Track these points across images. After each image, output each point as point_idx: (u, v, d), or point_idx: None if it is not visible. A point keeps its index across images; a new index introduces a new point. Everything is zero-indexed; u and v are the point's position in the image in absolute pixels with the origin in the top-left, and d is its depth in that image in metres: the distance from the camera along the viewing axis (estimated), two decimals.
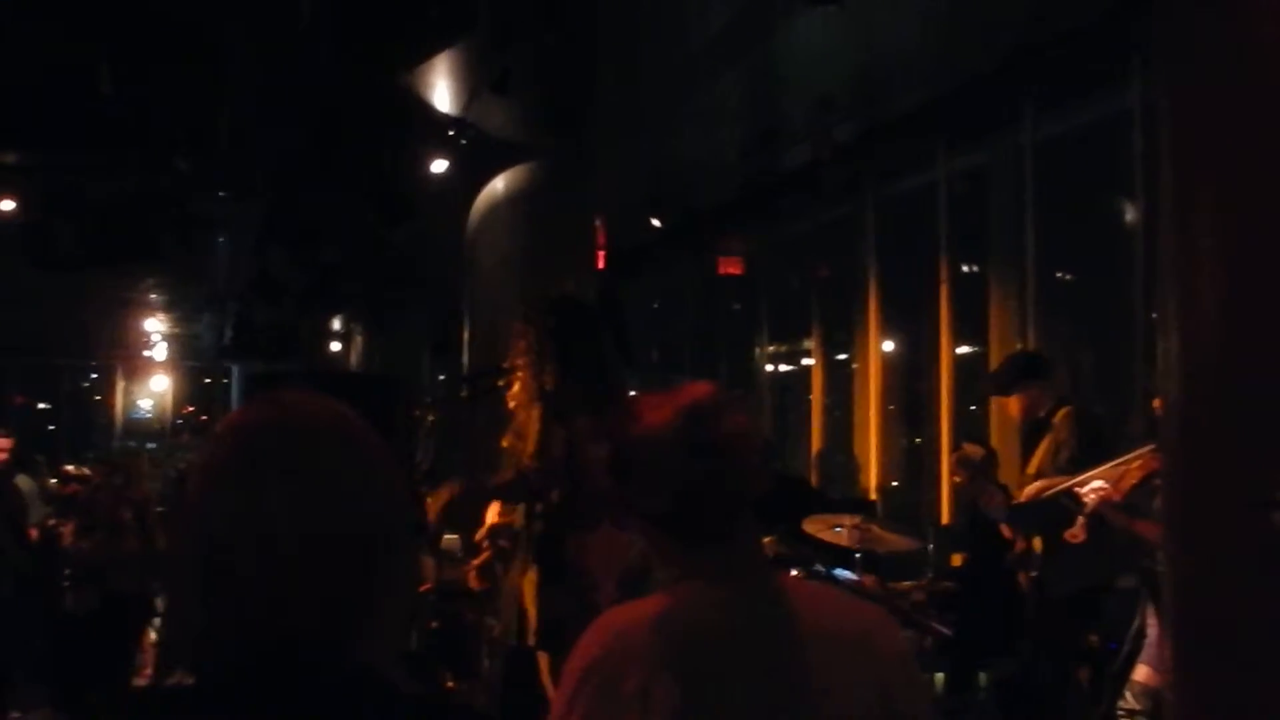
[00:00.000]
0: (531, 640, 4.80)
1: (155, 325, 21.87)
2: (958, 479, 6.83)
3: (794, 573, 5.48)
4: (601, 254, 11.06)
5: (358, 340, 19.08)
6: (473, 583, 7.65)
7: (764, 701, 1.94)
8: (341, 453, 1.56)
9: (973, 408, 9.20)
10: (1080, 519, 5.20)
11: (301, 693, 1.49)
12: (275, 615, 1.48)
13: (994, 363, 8.56)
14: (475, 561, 7.48)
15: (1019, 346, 8.23)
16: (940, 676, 6.56)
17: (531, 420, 4.88)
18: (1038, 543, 5.88)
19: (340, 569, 1.51)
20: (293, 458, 1.53)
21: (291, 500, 1.50)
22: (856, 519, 6.24)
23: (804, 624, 2.03)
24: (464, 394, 6.84)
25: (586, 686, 1.93)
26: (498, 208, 10.36)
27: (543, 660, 4.78)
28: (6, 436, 9.90)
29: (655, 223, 11.67)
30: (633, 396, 2.16)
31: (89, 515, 9.13)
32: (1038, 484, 5.53)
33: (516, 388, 4.92)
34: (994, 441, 7.94)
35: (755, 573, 2.10)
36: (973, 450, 6.83)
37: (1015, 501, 6.27)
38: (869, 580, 5.78)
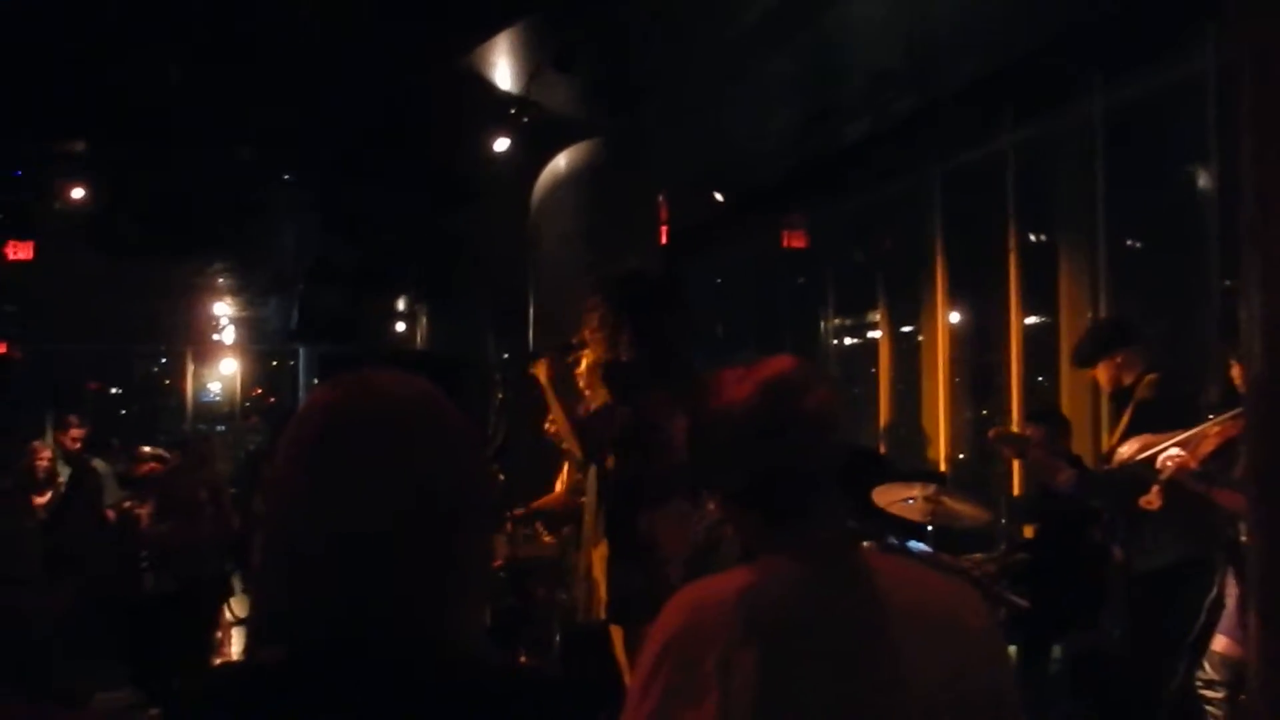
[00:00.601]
0: (602, 614, 4.82)
1: (223, 310, 22.09)
2: (1007, 453, 6.76)
3: (867, 545, 5.45)
4: (664, 230, 11.05)
5: (422, 320, 19.21)
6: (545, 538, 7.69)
7: (847, 677, 1.92)
8: (427, 430, 1.58)
9: (1041, 379, 9.12)
10: (1155, 486, 5.13)
11: (390, 668, 1.51)
12: (363, 593, 1.50)
13: (1064, 334, 8.48)
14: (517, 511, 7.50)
15: (1090, 316, 8.13)
16: (1012, 650, 6.52)
17: (598, 396, 4.89)
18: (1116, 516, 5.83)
19: (427, 545, 1.53)
20: (381, 438, 1.55)
21: (381, 481, 1.52)
22: (928, 489, 6.20)
23: (887, 600, 2.00)
24: (530, 371, 6.85)
25: (667, 661, 1.92)
26: (560, 186, 10.38)
27: (616, 634, 4.80)
28: (80, 425, 10.06)
29: (718, 197, 11.63)
30: (712, 371, 2.14)
31: (165, 497, 9.25)
32: (1125, 450, 5.45)
33: (585, 364, 4.93)
34: (1066, 411, 7.86)
35: (837, 548, 2.07)
36: (1018, 429, 6.75)
37: (1087, 471, 6.23)
38: (943, 554, 5.74)
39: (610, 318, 4.82)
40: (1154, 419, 5.56)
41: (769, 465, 2.01)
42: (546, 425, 5.46)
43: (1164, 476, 5.10)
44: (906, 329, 11.47)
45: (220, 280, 19.46)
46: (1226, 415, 4.86)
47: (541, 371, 4.91)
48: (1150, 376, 5.84)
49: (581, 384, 4.96)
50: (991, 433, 6.54)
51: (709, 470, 2.09)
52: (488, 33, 8.97)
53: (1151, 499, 5.15)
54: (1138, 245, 8.66)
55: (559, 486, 7.78)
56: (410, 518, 1.52)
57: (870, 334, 12.25)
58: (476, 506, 1.60)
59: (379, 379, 1.62)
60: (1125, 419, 5.83)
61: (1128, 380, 5.94)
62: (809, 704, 1.90)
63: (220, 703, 1.53)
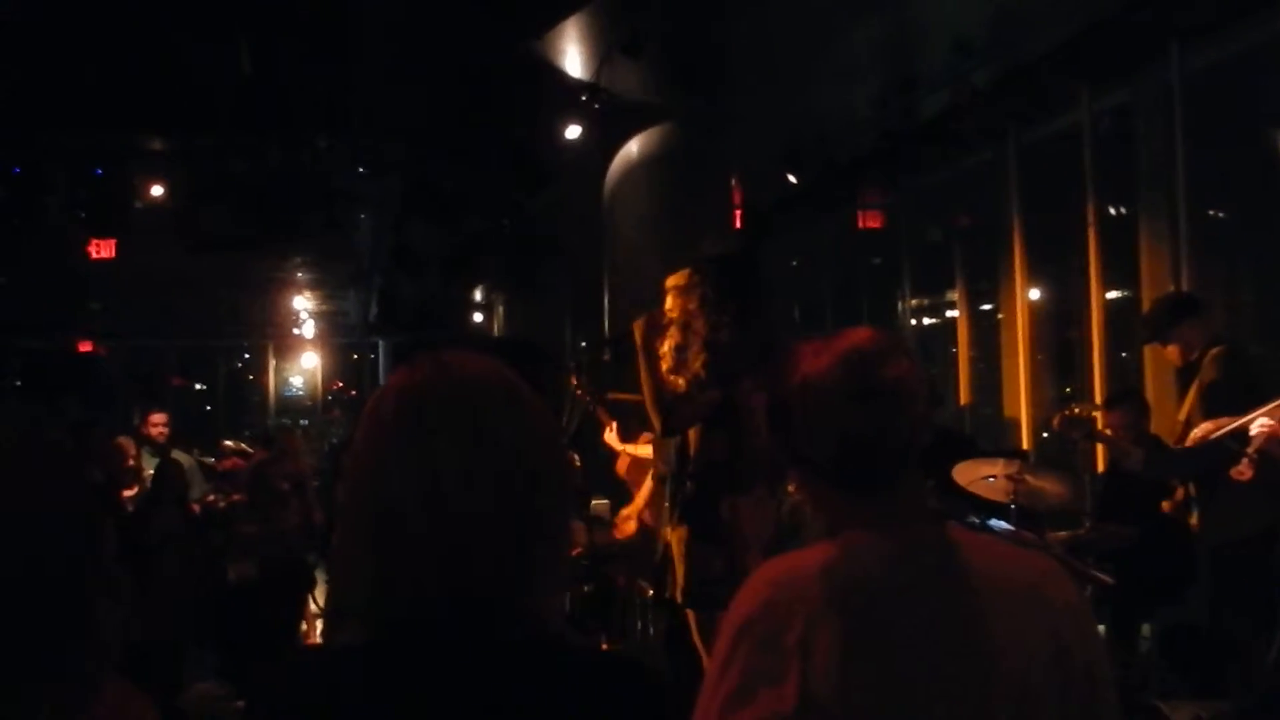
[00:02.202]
0: (679, 598, 4.81)
1: (303, 303, 22.33)
2: (1075, 435, 6.68)
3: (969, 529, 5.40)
4: (739, 213, 11.01)
5: (499, 309, 19.31)
6: (621, 532, 7.72)
7: (932, 654, 1.89)
8: (506, 410, 1.58)
9: (1124, 355, 8.98)
10: (1245, 458, 5.04)
11: (473, 647, 1.51)
12: (446, 572, 1.51)
13: (1146, 308, 8.34)
14: (625, 511, 7.53)
15: (1172, 289, 8.00)
16: (1100, 629, 6.44)
17: (685, 375, 4.86)
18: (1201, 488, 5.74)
19: (507, 525, 1.53)
20: (460, 416, 1.55)
21: (460, 458, 1.52)
22: (1010, 466, 6.14)
23: (972, 575, 1.96)
24: (606, 356, 6.86)
25: (747, 638, 1.89)
26: (633, 171, 10.38)
27: (692, 618, 4.79)
28: (163, 418, 10.24)
29: (791, 179, 11.56)
30: (790, 345, 2.10)
31: (248, 490, 9.38)
32: (1204, 427, 5.36)
33: (668, 347, 4.92)
34: (1149, 388, 7.74)
35: (920, 523, 2.03)
36: (1083, 409, 6.66)
37: (1162, 450, 6.15)
38: (1026, 531, 5.67)
39: (713, 298, 4.80)
40: (1219, 392, 5.49)
41: (850, 436, 1.98)
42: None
43: (1253, 447, 5.01)
44: (985, 307, 11.34)
45: (299, 274, 19.67)
46: None
47: (637, 331, 4.89)
48: (1215, 350, 5.76)
49: (664, 363, 4.95)
50: (1056, 418, 6.46)
51: (790, 444, 2.06)
52: (558, 18, 8.97)
53: (1243, 469, 5.05)
54: (1220, 215, 8.49)
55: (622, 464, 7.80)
56: (488, 494, 1.52)
57: (948, 313, 12.13)
58: (554, 484, 1.60)
59: (453, 358, 1.63)
60: (1192, 393, 5.75)
61: (1193, 354, 5.86)
62: (894, 680, 1.87)
63: (307, 685, 1.54)
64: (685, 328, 4.82)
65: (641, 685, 1.58)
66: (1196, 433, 5.38)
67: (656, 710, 1.58)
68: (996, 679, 1.89)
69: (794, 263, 15.13)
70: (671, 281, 4.95)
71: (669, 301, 4.91)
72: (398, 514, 1.52)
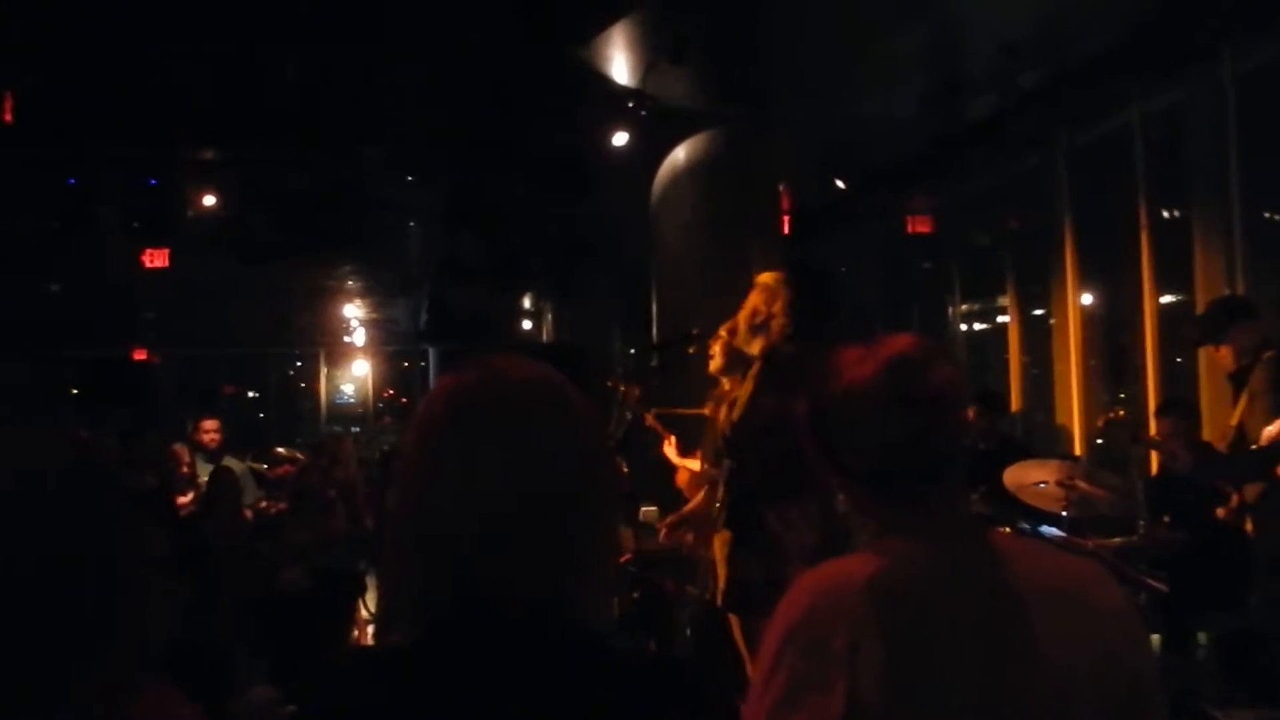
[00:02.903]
0: (719, 601, 4.80)
1: (353, 311, 22.47)
2: (1121, 436, 6.62)
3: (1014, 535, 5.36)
4: (786, 218, 10.98)
5: (548, 316, 19.37)
6: (663, 538, 7.71)
7: (979, 660, 1.87)
8: (553, 414, 1.59)
9: (1178, 360, 8.89)
10: None
11: (520, 650, 1.51)
12: (494, 575, 1.52)
13: (1200, 310, 8.26)
14: (669, 519, 7.52)
15: (1227, 293, 7.91)
16: (1155, 637, 6.37)
17: (738, 385, 4.85)
18: (1251, 494, 5.66)
19: (555, 528, 1.54)
20: (509, 420, 1.56)
21: (508, 461, 1.53)
22: (1062, 472, 6.08)
23: (1017, 580, 1.95)
24: (654, 363, 6.86)
25: (793, 644, 1.88)
26: (679, 177, 10.37)
27: (734, 622, 4.77)
28: (215, 425, 10.33)
29: (839, 184, 11.53)
30: (831, 352, 2.10)
31: (298, 497, 9.43)
32: (1273, 429, 5.28)
33: (718, 352, 4.91)
34: (1203, 392, 7.66)
35: (965, 529, 2.02)
36: (1127, 412, 6.62)
37: (1211, 453, 6.09)
38: (1076, 538, 5.62)
39: (795, 306, 4.79)
40: (1271, 397, 5.41)
41: (896, 442, 1.97)
42: (705, 409, 5.45)
43: None
44: (1037, 312, 11.25)
45: (349, 282, 19.80)
46: None
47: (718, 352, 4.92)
48: (1266, 354, 5.68)
49: (713, 370, 4.95)
50: (1101, 420, 6.41)
51: (833, 452, 2.05)
52: (603, 25, 8.98)
53: None
54: (1276, 217, 8.38)
55: (682, 477, 7.78)
56: (536, 496, 1.53)
57: (999, 318, 12.05)
58: (602, 488, 1.61)
59: (500, 363, 1.64)
60: (1244, 397, 5.68)
61: (1245, 358, 5.79)
62: (942, 687, 1.85)
63: (354, 685, 1.54)
64: (758, 327, 4.82)
65: (684, 687, 1.58)
66: (1270, 430, 5.30)
67: (699, 712, 1.58)
68: (1044, 685, 1.87)
69: (842, 269, 15.08)
70: (763, 278, 4.94)
71: (753, 297, 4.91)
72: (446, 517, 1.53)
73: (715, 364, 5.06)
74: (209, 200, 11.87)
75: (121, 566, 1.61)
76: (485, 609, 1.51)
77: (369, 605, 9.90)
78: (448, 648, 1.52)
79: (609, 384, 6.58)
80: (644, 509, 9.06)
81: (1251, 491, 5.67)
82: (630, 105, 9.58)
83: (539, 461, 1.54)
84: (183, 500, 9.00)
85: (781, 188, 10.89)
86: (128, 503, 1.76)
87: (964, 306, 12.78)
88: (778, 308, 4.82)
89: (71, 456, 1.65)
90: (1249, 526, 5.80)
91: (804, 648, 1.87)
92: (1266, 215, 8.27)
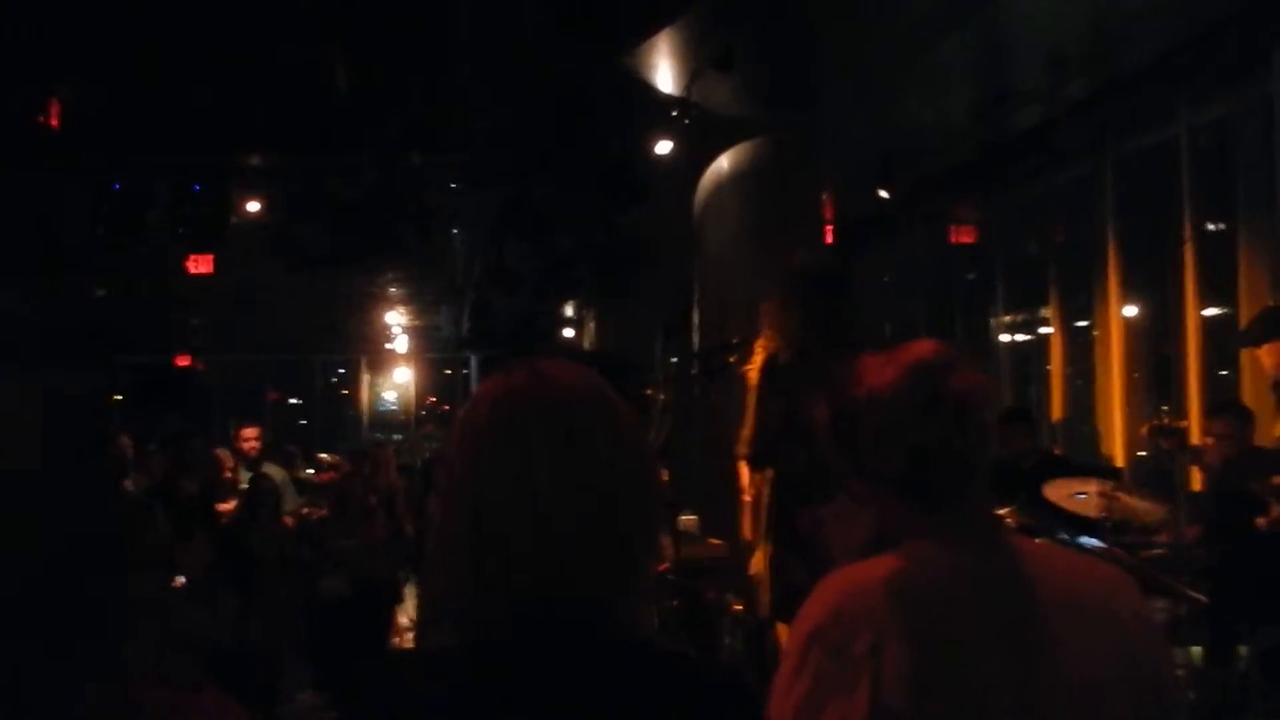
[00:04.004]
0: (765, 612, 4.79)
1: (396, 319, 22.54)
2: (1165, 445, 6.59)
3: (1038, 541, 5.33)
4: (830, 228, 10.96)
5: (590, 325, 19.38)
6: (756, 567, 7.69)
7: (1001, 664, 1.89)
8: (600, 419, 1.60)
9: (1224, 372, 8.82)
10: None
11: (570, 653, 1.53)
12: (539, 577, 1.53)
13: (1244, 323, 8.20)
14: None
15: (1271, 304, 7.84)
16: (1197, 650, 6.32)
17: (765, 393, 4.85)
18: None
19: (599, 532, 1.55)
20: (554, 423, 1.58)
21: (554, 465, 1.55)
22: (1101, 484, 6.06)
23: (1040, 586, 1.97)
24: (695, 371, 6.85)
25: (816, 647, 1.91)
26: (724, 186, 10.37)
27: (781, 631, 4.76)
28: (255, 432, 10.39)
29: (883, 194, 11.50)
30: (854, 358, 2.12)
31: (340, 503, 9.49)
32: None
33: (756, 362, 4.91)
34: (1247, 403, 7.60)
35: (988, 534, 2.04)
36: (1172, 420, 6.60)
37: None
38: (1118, 549, 5.59)
39: (794, 309, 4.78)
40: None
41: (916, 448, 1.99)
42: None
43: None
44: (1080, 323, 11.19)
45: (393, 289, 19.87)
46: None
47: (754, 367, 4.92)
48: None
49: (750, 379, 4.95)
50: (1144, 427, 6.38)
51: (857, 456, 2.07)
52: (650, 33, 9.00)
53: None
54: None
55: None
56: (582, 499, 1.54)
57: (1042, 329, 11.99)
58: (646, 493, 1.62)
59: (547, 367, 1.65)
60: None
61: None
62: (964, 691, 1.87)
63: (402, 687, 1.56)
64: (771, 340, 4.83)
65: (734, 690, 1.59)
66: None
67: (748, 716, 1.60)
68: (1067, 690, 1.89)
69: (886, 278, 15.03)
70: (764, 307, 4.95)
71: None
72: (492, 519, 1.54)
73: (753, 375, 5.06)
74: (254, 206, 11.95)
75: (129, 552, 1.63)
76: (534, 612, 1.53)
77: (409, 612, 9.95)
78: (500, 651, 1.53)
79: (648, 392, 6.59)
80: (684, 517, 9.05)
81: None
82: (676, 114, 9.59)
83: (585, 465, 1.56)
84: (224, 507, 9.08)
85: (826, 197, 10.87)
86: (130, 508, 1.79)
87: (1007, 317, 12.72)
88: (771, 319, 4.82)
89: (72, 461, 1.68)
90: None
91: (829, 648, 1.89)
92: None
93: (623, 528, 1.57)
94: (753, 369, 4.96)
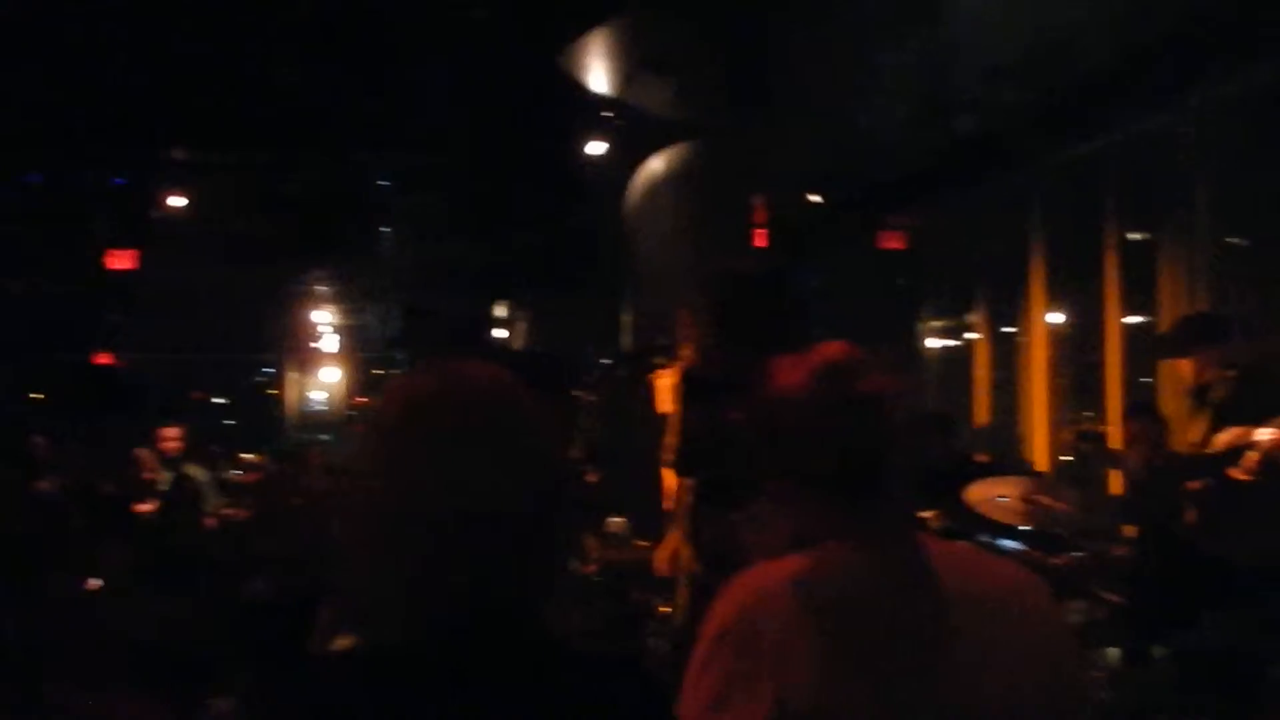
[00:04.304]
0: (687, 616, 4.79)
1: (324, 317, 22.35)
2: (1086, 449, 6.71)
3: (950, 542, 5.37)
4: (762, 232, 11.01)
5: (522, 325, 19.35)
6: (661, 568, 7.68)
7: (907, 664, 1.91)
8: (508, 417, 1.59)
9: (1143, 379, 8.95)
10: (1251, 455, 5.03)
11: (480, 653, 1.53)
12: (455, 580, 1.52)
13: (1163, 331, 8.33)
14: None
15: (1190, 313, 7.97)
16: (1114, 652, 6.40)
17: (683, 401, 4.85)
18: (1215, 509, 5.72)
19: (513, 533, 1.54)
20: (466, 424, 1.56)
21: (466, 467, 1.53)
22: (1022, 488, 6.13)
23: (948, 585, 1.99)
24: (623, 374, 6.86)
25: (724, 644, 1.92)
26: (658, 189, 10.39)
27: None
28: (177, 432, 10.26)
29: (816, 199, 11.57)
30: (767, 361, 2.14)
31: (264, 505, 9.39)
32: (1225, 437, 5.36)
33: (674, 369, 4.91)
34: (1165, 410, 7.71)
35: (898, 534, 2.06)
36: (1095, 425, 6.73)
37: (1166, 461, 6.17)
38: (1036, 551, 5.66)
39: (699, 319, 4.78)
40: (1230, 415, 5.48)
41: (827, 448, 2.00)
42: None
43: (1261, 447, 5.01)
44: (1007, 330, 11.32)
45: (322, 287, 19.71)
46: None
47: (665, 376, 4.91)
48: (1228, 373, 5.75)
49: (660, 389, 4.95)
50: (1069, 432, 6.48)
51: (768, 457, 2.09)
52: (584, 33, 8.99)
53: (1247, 466, 5.05)
54: (1240, 242, 8.47)
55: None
56: (489, 499, 1.53)
57: (970, 335, 12.11)
58: (553, 493, 1.61)
59: (455, 366, 1.64)
60: (1203, 416, 5.76)
61: (1208, 376, 5.86)
62: (869, 688, 1.88)
63: (318, 691, 1.55)
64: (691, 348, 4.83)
65: (647, 690, 1.60)
66: (1222, 439, 5.37)
67: (659, 711, 1.61)
68: (973, 690, 1.91)
69: (818, 283, 15.10)
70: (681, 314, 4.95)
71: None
72: (403, 520, 1.53)
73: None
74: (178, 201, 11.77)
75: (44, 552, 1.62)
76: (448, 613, 1.52)
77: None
78: (414, 652, 1.52)
79: (578, 394, 6.58)
80: (612, 520, 9.04)
81: (1212, 506, 5.73)
82: (610, 115, 9.60)
83: (495, 465, 1.54)
84: (144, 508, 8.95)
85: (759, 201, 10.92)
86: (50, 494, 1.77)
87: (935, 323, 12.83)
88: (688, 327, 4.83)
89: None
90: (1207, 544, 5.85)
91: (735, 647, 1.90)
92: (1231, 240, 8.35)
93: (534, 528, 1.56)
94: (662, 378, 4.96)
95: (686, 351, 4.92)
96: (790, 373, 2.06)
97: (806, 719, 1.84)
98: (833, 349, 2.08)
